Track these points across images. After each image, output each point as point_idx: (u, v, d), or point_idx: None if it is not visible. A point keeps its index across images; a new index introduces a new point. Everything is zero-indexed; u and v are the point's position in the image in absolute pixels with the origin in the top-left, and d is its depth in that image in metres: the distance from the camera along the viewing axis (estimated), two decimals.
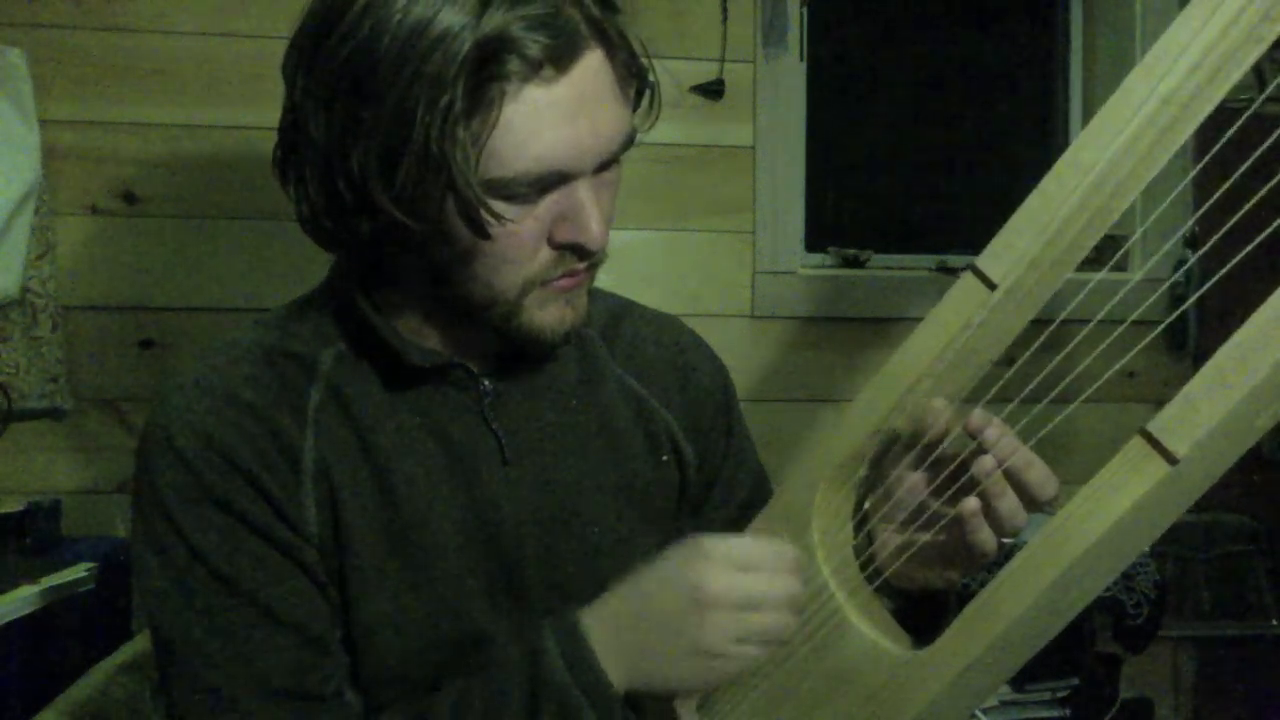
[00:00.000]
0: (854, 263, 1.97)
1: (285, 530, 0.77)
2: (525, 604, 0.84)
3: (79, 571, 1.43)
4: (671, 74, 1.75)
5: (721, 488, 0.99)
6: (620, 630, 0.73)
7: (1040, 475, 0.72)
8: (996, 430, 0.71)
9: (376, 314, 0.81)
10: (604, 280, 0.87)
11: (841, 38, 2.08)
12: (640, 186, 1.81)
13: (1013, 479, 0.72)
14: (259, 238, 1.72)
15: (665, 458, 0.94)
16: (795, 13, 1.87)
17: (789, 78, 1.87)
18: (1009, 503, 0.72)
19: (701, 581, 0.70)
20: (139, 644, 1.21)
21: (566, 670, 0.72)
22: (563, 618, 0.74)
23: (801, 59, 1.91)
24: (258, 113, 1.70)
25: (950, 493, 0.74)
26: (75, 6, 1.67)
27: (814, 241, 2.00)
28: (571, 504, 0.87)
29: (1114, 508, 0.62)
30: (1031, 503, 0.73)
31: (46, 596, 1.37)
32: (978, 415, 0.72)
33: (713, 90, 1.83)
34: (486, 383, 0.85)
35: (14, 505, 1.55)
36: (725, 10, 1.83)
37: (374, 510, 0.80)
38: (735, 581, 0.71)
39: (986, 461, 0.71)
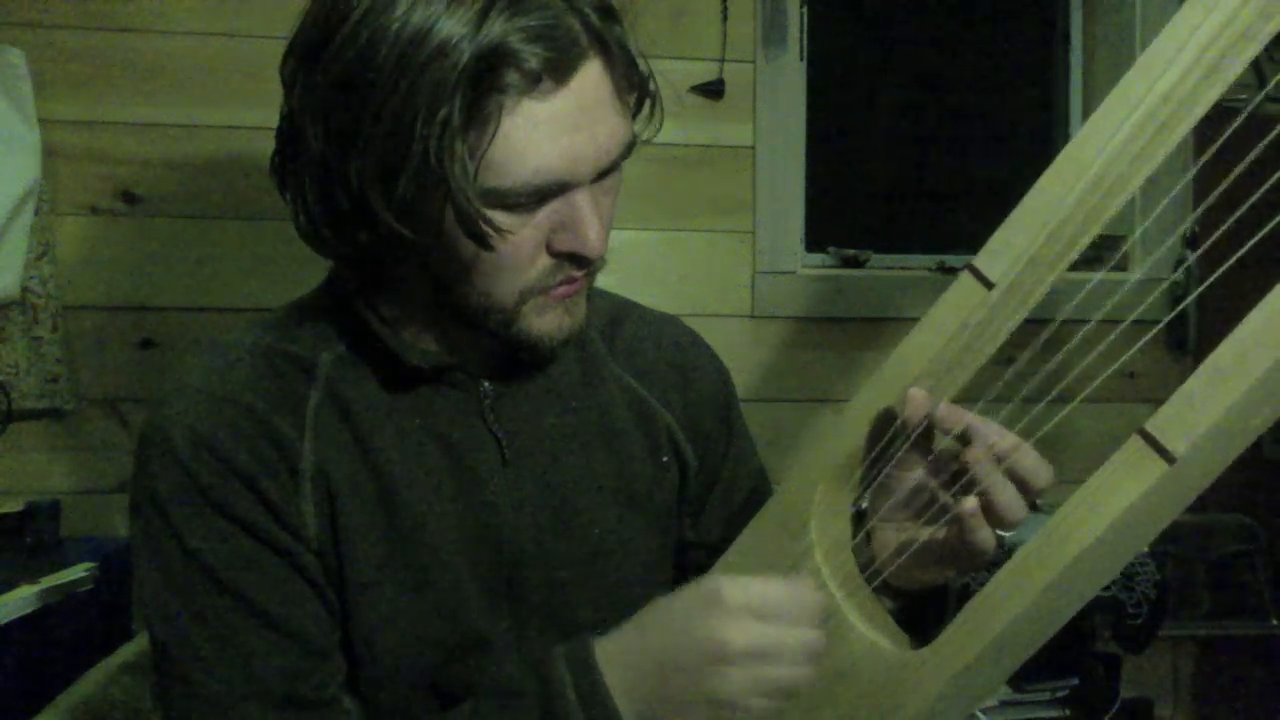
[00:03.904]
0: (854, 263, 1.97)
1: (283, 533, 0.77)
2: (525, 606, 0.84)
3: (78, 572, 1.43)
4: (671, 74, 1.75)
5: (722, 488, 0.99)
6: (634, 673, 0.71)
7: (1033, 463, 0.72)
8: (978, 421, 0.71)
9: (375, 318, 0.81)
10: (604, 280, 0.87)
11: (841, 38, 2.07)
12: (640, 186, 1.81)
13: (1006, 469, 0.71)
14: (259, 238, 1.72)
15: (665, 458, 0.94)
16: (795, 13, 1.87)
17: (789, 78, 1.87)
18: (1008, 494, 0.71)
19: (719, 634, 0.69)
20: (139, 644, 1.20)
21: (580, 707, 0.71)
22: (576, 649, 0.73)
23: (801, 59, 1.91)
24: (258, 113, 1.70)
25: (951, 492, 0.74)
26: (75, 6, 1.67)
27: (814, 241, 2.00)
28: (571, 505, 0.87)
29: (1112, 507, 0.62)
30: (1027, 489, 0.72)
31: (45, 597, 1.37)
32: (944, 407, 0.71)
33: (713, 90, 1.83)
34: (486, 384, 0.85)
35: (14, 505, 1.55)
36: (725, 10, 1.83)
37: (373, 512, 0.79)
38: (754, 634, 0.69)
39: (975, 451, 0.70)
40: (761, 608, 0.70)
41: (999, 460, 0.71)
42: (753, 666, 0.69)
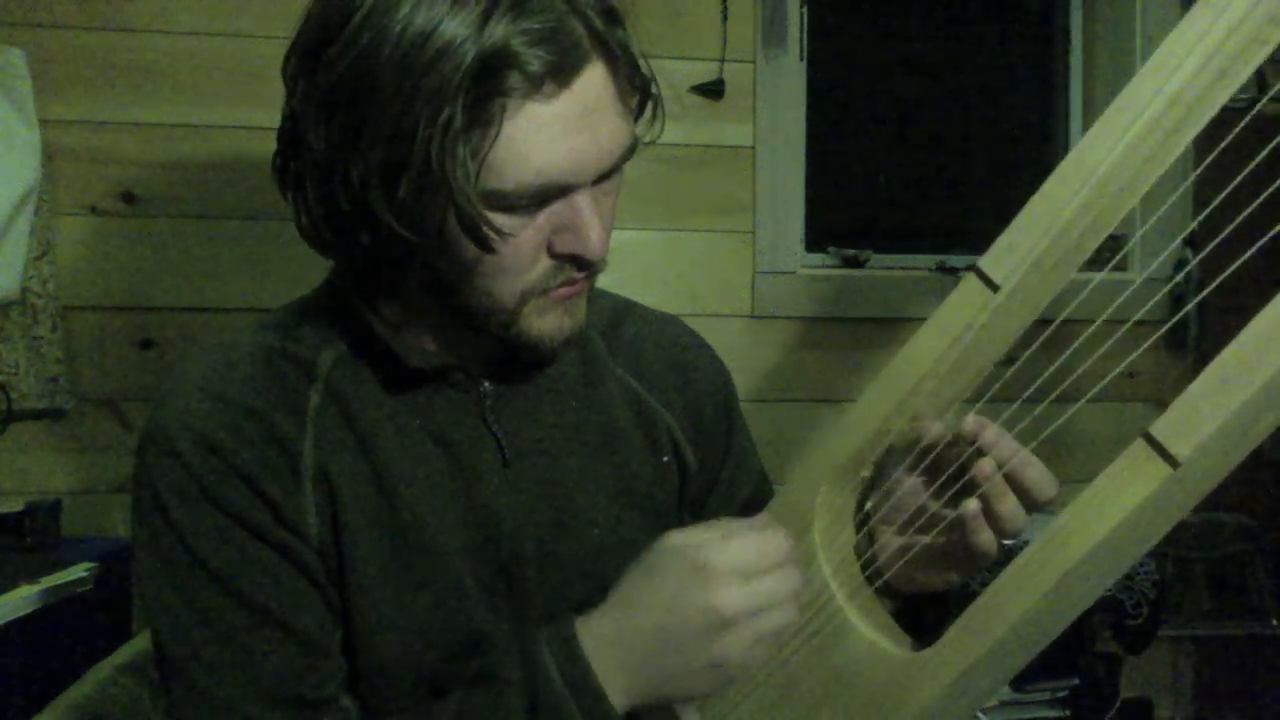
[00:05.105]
0: (854, 263, 1.97)
1: (284, 532, 0.77)
2: (525, 606, 0.84)
3: (78, 571, 1.43)
4: (671, 74, 1.75)
5: (722, 488, 0.99)
6: (626, 652, 0.72)
7: (1039, 476, 0.72)
8: (993, 432, 0.72)
9: (376, 318, 0.81)
10: (604, 280, 0.87)
11: (841, 38, 2.08)
12: (640, 186, 1.81)
13: (1012, 480, 0.72)
14: (259, 238, 1.72)
15: (666, 458, 0.93)
16: (795, 13, 1.87)
17: (789, 78, 1.87)
18: (1009, 504, 0.72)
19: (715, 602, 0.69)
20: (139, 644, 1.20)
21: (566, 690, 0.71)
22: (558, 632, 0.73)
23: (801, 59, 1.91)
24: (258, 113, 1.70)
25: (950, 494, 0.74)
26: (75, 6, 1.67)
27: (814, 241, 2.00)
28: (571, 505, 0.86)
29: (1115, 510, 0.62)
30: (1031, 504, 0.73)
31: (46, 597, 1.36)
32: (971, 420, 0.72)
33: (713, 90, 1.83)
34: (486, 385, 0.85)
35: (14, 505, 1.55)
36: (725, 10, 1.83)
37: (374, 512, 0.79)
38: (746, 594, 0.70)
39: (986, 464, 0.71)
40: (746, 565, 0.71)
41: (1001, 467, 0.71)
42: (750, 623, 0.70)
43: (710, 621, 0.70)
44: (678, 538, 0.73)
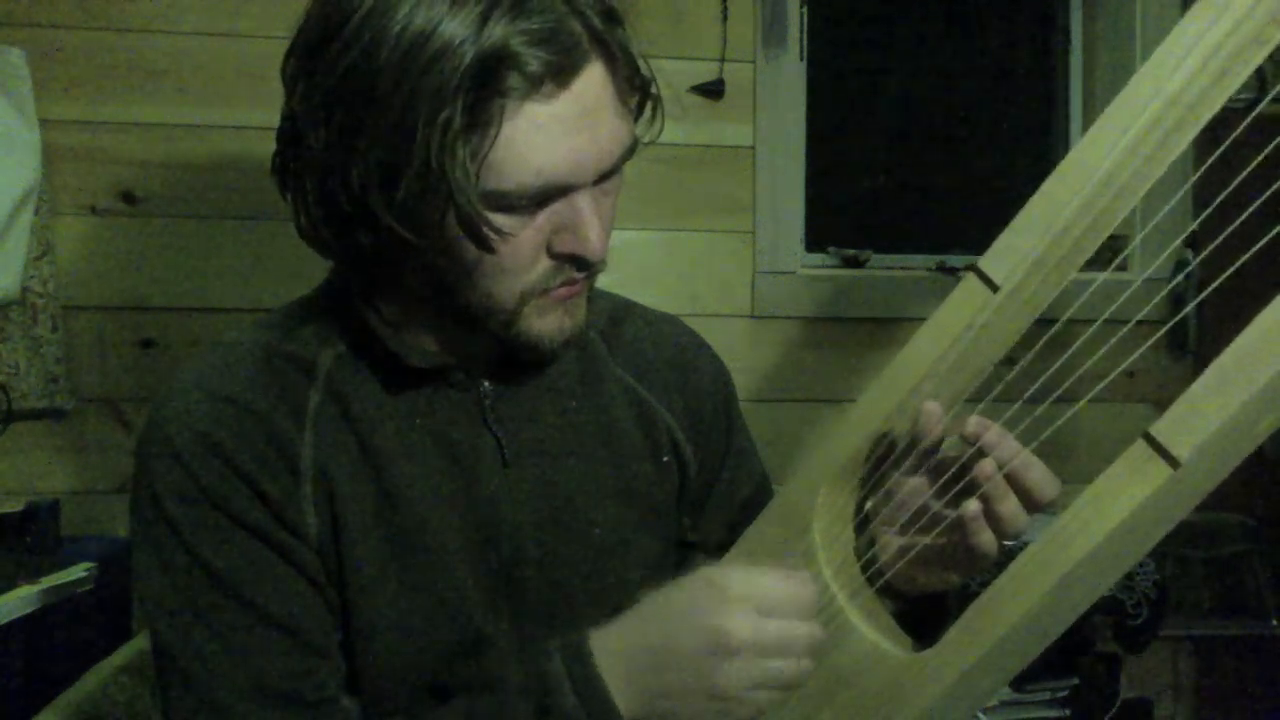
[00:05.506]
0: (854, 263, 1.97)
1: (284, 532, 0.77)
2: (525, 606, 0.84)
3: (78, 572, 1.43)
4: (671, 74, 1.75)
5: (722, 488, 0.99)
6: (633, 663, 0.71)
7: (1041, 477, 0.72)
8: (995, 433, 0.71)
9: (376, 318, 0.81)
10: (604, 280, 0.87)
11: (841, 38, 2.07)
12: (640, 186, 1.81)
13: (1013, 481, 0.72)
14: (259, 238, 1.72)
15: (665, 458, 0.93)
16: (795, 13, 1.87)
17: (789, 78, 1.87)
18: (1010, 505, 0.72)
19: (723, 625, 0.68)
20: (139, 644, 1.20)
21: (577, 700, 0.70)
22: (573, 642, 0.73)
23: (801, 59, 1.91)
24: (258, 113, 1.70)
25: (951, 495, 0.74)
26: (75, 6, 1.67)
27: (814, 241, 2.00)
28: (571, 505, 0.86)
29: (1116, 511, 0.62)
30: (1033, 504, 0.73)
31: (45, 597, 1.36)
32: (974, 421, 0.71)
33: (713, 90, 1.83)
34: (486, 384, 0.85)
35: (14, 505, 1.55)
36: (725, 10, 1.83)
37: (373, 512, 0.79)
38: (758, 627, 0.68)
39: (987, 465, 0.71)
40: (765, 600, 0.69)
41: (1002, 468, 0.71)
42: (756, 659, 0.69)
43: (714, 644, 0.68)
44: (710, 566, 0.72)
